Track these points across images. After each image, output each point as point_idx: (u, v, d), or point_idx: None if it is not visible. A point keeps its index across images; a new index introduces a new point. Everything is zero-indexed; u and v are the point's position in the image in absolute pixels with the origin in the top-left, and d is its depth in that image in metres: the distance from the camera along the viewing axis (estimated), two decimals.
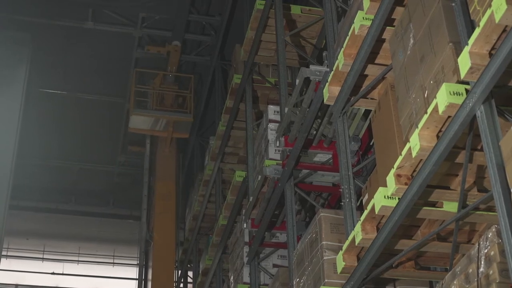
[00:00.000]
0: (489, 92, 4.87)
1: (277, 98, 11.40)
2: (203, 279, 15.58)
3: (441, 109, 5.22)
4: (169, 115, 17.55)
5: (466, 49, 4.91)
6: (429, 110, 5.38)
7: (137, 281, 18.57)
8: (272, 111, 10.68)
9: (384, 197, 6.10)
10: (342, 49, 7.34)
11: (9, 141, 14.86)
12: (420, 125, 5.51)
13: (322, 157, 9.60)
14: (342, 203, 7.34)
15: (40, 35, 16.49)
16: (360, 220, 6.64)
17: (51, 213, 22.56)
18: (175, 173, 18.18)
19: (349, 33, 7.19)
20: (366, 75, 7.32)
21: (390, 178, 5.97)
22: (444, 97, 5.16)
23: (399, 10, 6.67)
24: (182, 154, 19.49)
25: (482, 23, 4.73)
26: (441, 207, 6.21)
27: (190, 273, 18.59)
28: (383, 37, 6.90)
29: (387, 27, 6.80)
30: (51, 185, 21.62)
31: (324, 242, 7.52)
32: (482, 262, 4.93)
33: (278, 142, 9.87)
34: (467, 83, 5.10)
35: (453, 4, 5.31)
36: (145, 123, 17.39)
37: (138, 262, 18.41)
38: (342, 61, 7.33)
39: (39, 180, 21.20)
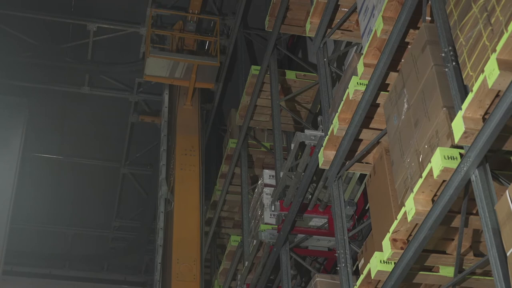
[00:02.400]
0: (483, 157, 4.89)
1: (273, 162, 11.42)
2: None
3: (436, 173, 5.23)
4: (191, 59, 14.80)
5: (460, 114, 4.95)
6: (424, 174, 5.40)
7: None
8: (267, 176, 10.68)
9: (380, 261, 6.07)
10: (337, 114, 7.39)
11: (4, 206, 14.80)
12: (415, 189, 5.52)
13: (317, 221, 9.57)
14: (338, 268, 7.30)
15: (36, 100, 16.57)
16: (356, 285, 6.60)
17: (45, 279, 22.31)
18: (199, 128, 15.42)
19: (344, 98, 7.25)
20: (361, 140, 7.36)
21: (386, 243, 5.95)
22: (439, 162, 5.18)
23: (393, 75, 6.74)
24: (206, 112, 16.82)
25: (475, 88, 4.78)
26: (438, 271, 6.18)
27: None
28: (377, 102, 6.96)
29: (381, 92, 6.86)
30: (45, 250, 21.45)
31: None
32: None
33: (273, 207, 9.85)
34: (461, 147, 5.13)
35: (446, 70, 5.37)
36: (163, 69, 14.75)
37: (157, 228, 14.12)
38: (337, 126, 7.37)
39: (33, 245, 21.03)
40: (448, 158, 5.16)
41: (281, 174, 9.61)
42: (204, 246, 14.26)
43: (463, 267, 5.89)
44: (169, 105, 15.62)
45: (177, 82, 15.15)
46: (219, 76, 15.64)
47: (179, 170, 14.43)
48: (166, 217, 14.18)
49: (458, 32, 5.24)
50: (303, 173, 8.83)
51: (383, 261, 6.04)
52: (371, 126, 7.22)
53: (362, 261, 7.25)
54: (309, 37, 12.35)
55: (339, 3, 8.47)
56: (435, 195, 5.49)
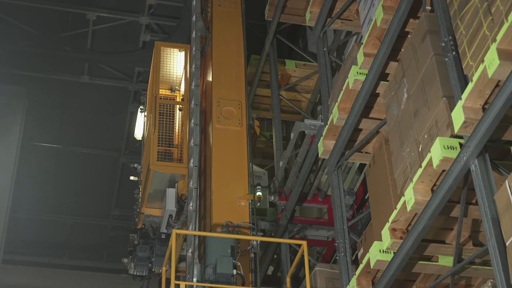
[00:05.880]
0: (483, 147, 4.89)
1: (272, 152, 11.41)
2: None
3: (435, 163, 5.23)
4: None
5: (460, 104, 4.95)
6: (424, 164, 5.40)
7: None
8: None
9: (379, 251, 6.08)
10: (337, 103, 7.38)
11: (3, 195, 14.81)
12: (415, 179, 5.52)
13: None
14: (337, 257, 7.31)
15: (36, 89, 16.56)
16: (355, 274, 6.61)
17: (44, 268, 22.35)
18: None
19: (344, 88, 7.25)
20: (361, 129, 7.36)
21: (385, 232, 5.96)
22: (438, 151, 5.18)
23: (392, 65, 6.74)
24: None
25: (475, 78, 4.77)
26: (437, 261, 6.19)
27: None
28: (377, 91, 6.96)
29: (381, 82, 6.86)
30: (44, 239, 21.48)
31: None
32: None
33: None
34: (461, 137, 5.13)
35: (446, 59, 5.37)
36: None
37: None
38: (336, 115, 7.37)
39: (32, 234, 21.06)
40: (448, 148, 5.17)
41: (281, 163, 9.61)
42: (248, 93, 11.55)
43: (462, 256, 5.90)
44: None
45: None
46: None
47: (216, 6, 12.30)
48: (204, 58, 11.85)
49: (458, 22, 5.23)
50: (302, 163, 8.83)
51: (382, 250, 6.05)
52: (370, 115, 7.22)
53: (362, 250, 7.26)
54: (309, 27, 12.32)
55: None
56: (434, 184, 5.49)
